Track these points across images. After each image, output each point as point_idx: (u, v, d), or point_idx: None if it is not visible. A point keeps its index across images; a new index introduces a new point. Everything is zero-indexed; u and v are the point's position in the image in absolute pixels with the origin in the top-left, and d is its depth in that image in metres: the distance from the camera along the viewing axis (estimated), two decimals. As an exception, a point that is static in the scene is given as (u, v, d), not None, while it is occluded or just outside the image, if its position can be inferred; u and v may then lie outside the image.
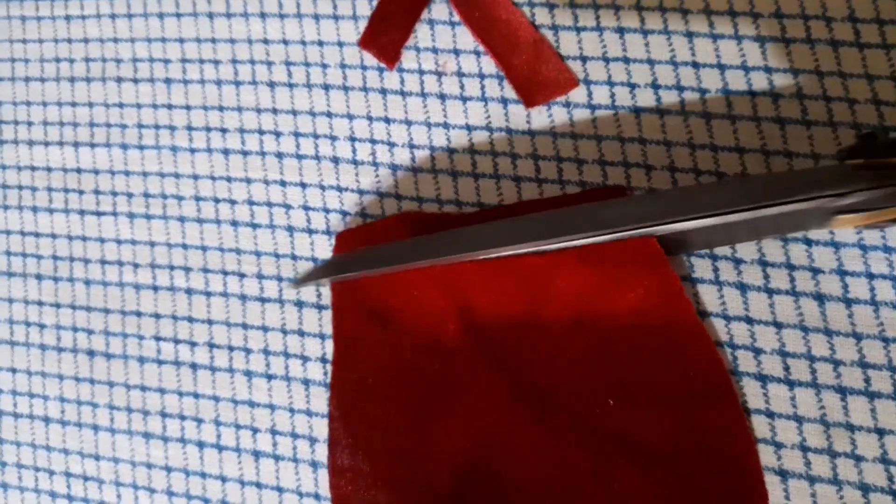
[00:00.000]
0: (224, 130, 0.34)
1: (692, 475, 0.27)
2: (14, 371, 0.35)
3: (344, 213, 0.32)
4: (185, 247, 0.34)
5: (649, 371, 0.28)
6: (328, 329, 0.32)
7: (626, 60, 0.30)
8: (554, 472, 0.28)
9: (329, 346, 0.31)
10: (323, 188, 0.32)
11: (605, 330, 0.28)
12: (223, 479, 0.32)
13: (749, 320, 0.28)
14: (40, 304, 0.35)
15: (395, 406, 0.29)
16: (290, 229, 0.32)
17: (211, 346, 0.33)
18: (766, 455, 0.27)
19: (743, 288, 0.28)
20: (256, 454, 0.32)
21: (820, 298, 0.27)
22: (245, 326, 0.33)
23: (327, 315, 0.32)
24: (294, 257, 0.32)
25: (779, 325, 0.28)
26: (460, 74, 0.32)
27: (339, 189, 0.32)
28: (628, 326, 0.28)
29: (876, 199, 0.23)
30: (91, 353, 0.34)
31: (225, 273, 0.33)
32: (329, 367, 0.31)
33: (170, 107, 0.35)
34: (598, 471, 0.27)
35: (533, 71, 0.31)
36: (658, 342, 0.28)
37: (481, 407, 0.29)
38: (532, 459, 0.28)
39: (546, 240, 0.26)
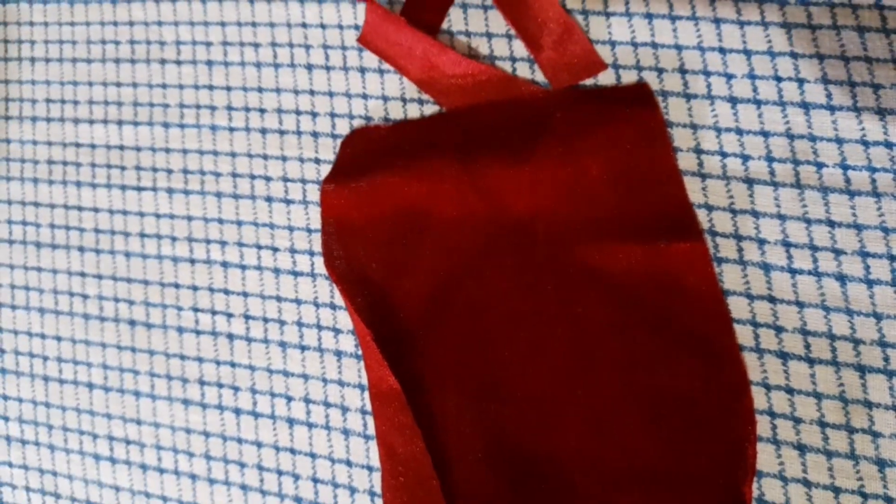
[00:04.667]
0: (262, 111, 0.35)
1: (655, 303, 0.28)
2: (59, 339, 0.37)
3: (377, 191, 0.33)
4: (220, 221, 0.35)
5: (622, 204, 0.29)
6: (360, 303, 0.33)
7: (655, 45, 0.31)
8: (521, 295, 0.30)
9: (360, 320, 0.33)
10: (357, 167, 0.34)
11: (589, 163, 0.30)
12: (259, 445, 0.33)
13: (772, 299, 0.29)
14: (83, 275, 0.37)
15: (382, 229, 0.31)
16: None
17: (247, 317, 0.34)
18: (786, 430, 0.28)
19: (766, 268, 0.29)
20: (290, 421, 0.33)
21: (842, 279, 0.28)
22: (279, 299, 0.34)
23: (359, 289, 0.33)
24: (328, 233, 0.34)
25: (801, 305, 0.28)
26: (492, 58, 0.33)
27: (373, 168, 0.33)
28: (611, 160, 0.30)
29: None
30: (132, 323, 0.36)
31: (259, 247, 0.34)
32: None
33: (210, 87, 0.36)
34: (562, 295, 0.29)
35: (562, 53, 0.32)
36: (634, 176, 0.30)
37: (459, 231, 0.31)
38: (502, 283, 0.30)
39: None
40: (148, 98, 0.37)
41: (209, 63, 0.36)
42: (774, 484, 0.28)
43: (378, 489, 0.31)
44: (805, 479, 0.28)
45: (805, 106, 0.29)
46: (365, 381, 0.32)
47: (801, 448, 0.28)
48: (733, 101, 0.30)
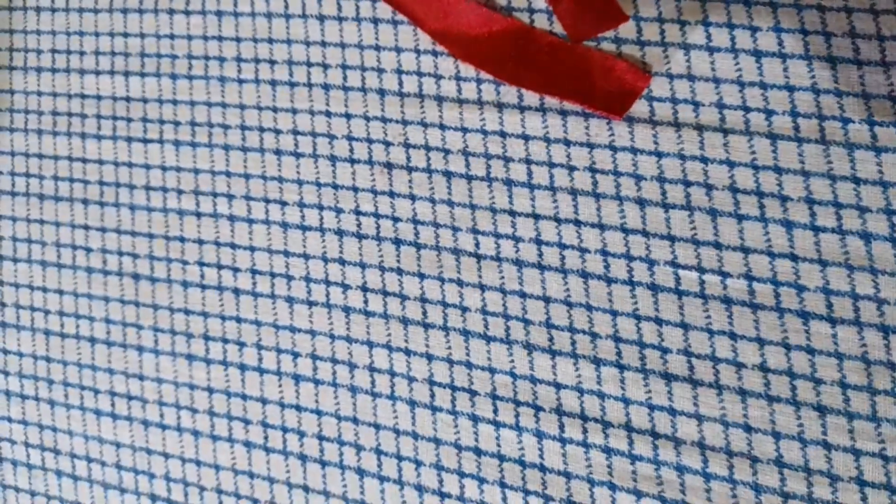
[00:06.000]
0: (272, 62, 0.34)
1: None
2: (61, 293, 0.36)
3: (387, 144, 0.32)
4: (228, 174, 0.34)
5: None
6: (368, 258, 0.32)
7: (677, -2, 0.30)
8: None
9: (369, 275, 0.32)
10: (367, 119, 0.33)
11: None
12: (263, 402, 0.33)
13: (794, 257, 0.28)
14: (86, 228, 0.36)
15: None
16: (333, 158, 0.33)
17: (253, 272, 0.33)
18: (806, 391, 0.27)
19: (789, 225, 0.28)
20: (296, 378, 0.32)
21: (867, 237, 0.27)
22: (287, 254, 0.33)
23: (367, 245, 0.32)
24: (335, 186, 0.33)
25: (824, 263, 0.28)
26: (510, 9, 0.32)
27: (384, 120, 0.33)
28: None
29: None
30: (136, 277, 0.35)
31: (267, 201, 0.34)
32: (369, 296, 0.32)
33: (220, 38, 0.35)
34: None
35: (581, 5, 0.31)
36: None
37: None
38: None
39: None
40: (156, 49, 0.36)
41: (219, 13, 0.35)
42: (793, 445, 0.27)
43: (385, 447, 0.31)
44: (825, 441, 0.27)
45: (832, 60, 0.28)
46: (374, 338, 0.32)
47: (822, 409, 0.27)
48: (757, 54, 0.29)
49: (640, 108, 0.30)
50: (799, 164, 0.28)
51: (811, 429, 0.27)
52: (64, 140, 0.37)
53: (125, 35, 0.36)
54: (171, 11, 0.36)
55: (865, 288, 0.27)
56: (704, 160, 0.29)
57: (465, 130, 0.32)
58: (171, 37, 0.36)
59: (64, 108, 0.37)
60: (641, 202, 0.30)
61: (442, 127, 0.32)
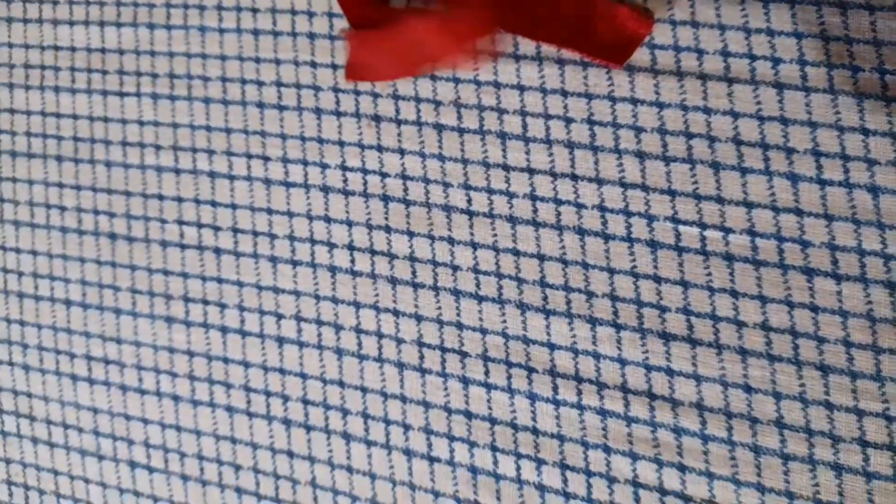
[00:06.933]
0: (255, 10, 0.33)
1: None
2: (35, 254, 0.35)
3: (375, 95, 0.31)
4: (208, 129, 0.33)
5: None
6: (355, 216, 0.31)
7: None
8: None
9: (356, 233, 0.31)
10: (355, 70, 0.31)
11: None
12: (246, 365, 0.31)
13: (799, 212, 0.27)
14: (61, 185, 0.34)
15: None
16: (318, 111, 0.31)
17: (235, 230, 0.32)
18: (808, 350, 0.26)
19: (794, 178, 0.27)
20: (280, 340, 0.31)
21: (874, 190, 0.26)
22: (269, 211, 0.32)
23: (354, 202, 0.31)
24: (320, 140, 0.31)
25: (829, 218, 0.26)
26: (504, -49, 0.30)
27: (372, 71, 0.31)
28: None
29: None
30: (113, 237, 0.34)
31: (249, 156, 0.32)
32: (356, 255, 0.30)
33: (198, -15, 0.33)
34: None
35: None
36: None
37: None
38: None
39: None
40: (131, -3, 0.34)
41: (197, -42, 0.33)
42: (794, 406, 0.26)
43: (372, 411, 0.30)
44: (827, 401, 0.26)
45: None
46: (361, 299, 0.30)
47: (825, 369, 0.26)
48: None
49: (641, 56, 0.29)
50: (806, 115, 0.27)
51: (813, 389, 0.26)
52: (37, 94, 0.35)
53: (99, -18, 0.35)
54: (148, -43, 0.34)
55: (872, 243, 0.26)
56: (707, 111, 0.28)
57: (457, 81, 0.30)
58: (148, -16, 0.34)
59: (36, 61, 0.35)
60: (641, 155, 0.28)
61: (432, 78, 0.31)
